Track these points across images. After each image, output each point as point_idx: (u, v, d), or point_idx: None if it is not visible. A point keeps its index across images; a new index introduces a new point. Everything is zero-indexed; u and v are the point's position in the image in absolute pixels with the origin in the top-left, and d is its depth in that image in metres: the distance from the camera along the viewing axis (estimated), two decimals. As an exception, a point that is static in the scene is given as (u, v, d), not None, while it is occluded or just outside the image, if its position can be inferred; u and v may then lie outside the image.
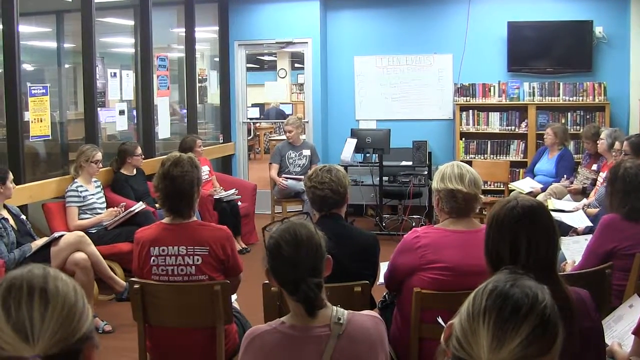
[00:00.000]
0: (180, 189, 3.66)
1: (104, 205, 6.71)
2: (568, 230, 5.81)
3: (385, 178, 8.81)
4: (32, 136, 6.41)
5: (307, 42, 10.14)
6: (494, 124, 9.58)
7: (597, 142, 7.21)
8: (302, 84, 13.64)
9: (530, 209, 2.42)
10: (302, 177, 7.92)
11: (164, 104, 8.82)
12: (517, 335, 1.38)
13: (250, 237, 8.50)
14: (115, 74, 7.86)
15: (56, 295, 1.47)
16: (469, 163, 8.30)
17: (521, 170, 9.24)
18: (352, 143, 8.53)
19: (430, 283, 3.28)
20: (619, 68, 9.24)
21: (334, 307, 2.38)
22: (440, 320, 2.52)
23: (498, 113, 9.58)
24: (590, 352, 2.40)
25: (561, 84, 9.39)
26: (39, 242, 5.67)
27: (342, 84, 10.33)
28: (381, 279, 3.75)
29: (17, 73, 6.08)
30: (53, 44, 8.19)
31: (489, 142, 9.60)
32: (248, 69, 10.90)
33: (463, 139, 9.65)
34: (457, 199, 3.35)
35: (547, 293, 1.48)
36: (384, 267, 3.72)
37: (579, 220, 5.99)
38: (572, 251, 4.46)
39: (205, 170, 8.04)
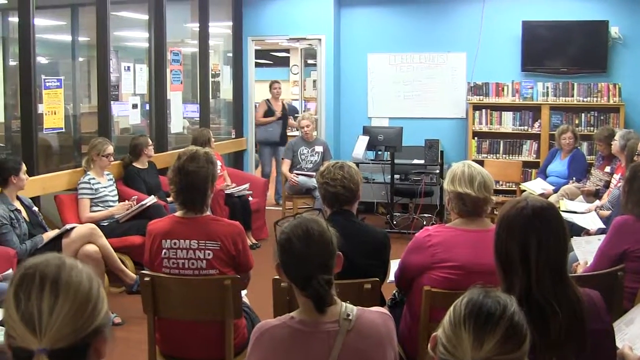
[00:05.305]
0: (194, 184, 3.67)
1: (116, 198, 6.73)
2: (580, 232, 5.78)
3: (396, 176, 8.79)
4: (45, 128, 6.45)
5: (320, 39, 10.13)
6: (507, 123, 9.55)
7: (611, 143, 7.17)
8: (314, 81, 13.58)
9: (540, 210, 2.39)
10: (314, 173, 7.92)
11: (177, 98, 8.84)
12: (493, 336, 1.66)
13: (260, 232, 8.49)
14: (129, 67, 7.89)
15: (67, 288, 1.47)
16: (481, 162, 8.32)
17: (533, 170, 9.21)
18: (364, 140, 8.51)
19: (441, 282, 3.28)
20: (635, 69, 9.19)
21: (343, 303, 2.38)
22: None
23: (511, 113, 9.55)
24: (600, 354, 2.38)
25: (575, 84, 9.34)
26: (51, 233, 5.70)
27: (354, 81, 10.33)
28: (391, 277, 3.75)
29: (32, 65, 6.12)
30: (68, 37, 8.22)
31: (501, 141, 9.57)
32: (260, 65, 10.89)
33: (475, 138, 9.62)
34: (466, 202, 3.35)
35: (514, 302, 1.77)
36: (394, 265, 3.71)
37: (591, 222, 5.96)
38: (585, 251, 4.43)
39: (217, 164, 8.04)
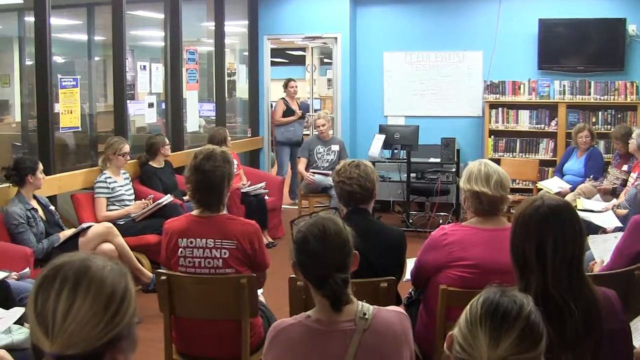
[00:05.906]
0: (211, 183, 3.66)
1: (132, 197, 6.76)
2: (597, 230, 5.74)
3: (412, 175, 8.77)
4: (62, 127, 6.48)
5: (336, 38, 10.12)
6: (524, 121, 9.50)
7: (628, 142, 7.12)
8: (329, 79, 13.50)
9: (556, 208, 2.38)
10: (330, 172, 7.91)
11: (193, 97, 8.86)
12: (509, 335, 1.66)
13: (276, 231, 8.49)
14: (144, 67, 7.92)
15: (86, 293, 1.43)
16: (498, 161, 8.28)
17: (550, 169, 9.16)
18: (380, 139, 8.50)
19: (457, 280, 3.27)
20: (652, 67, 9.12)
21: (360, 302, 2.37)
22: None
23: (528, 111, 9.50)
24: (617, 353, 2.37)
25: (592, 82, 9.28)
26: (68, 232, 5.73)
27: (370, 79, 10.31)
28: (407, 276, 3.74)
29: (48, 65, 6.15)
30: (84, 37, 8.27)
31: (518, 140, 9.52)
32: (276, 63, 10.84)
33: (492, 136, 9.58)
34: (482, 201, 3.34)
35: (531, 301, 1.77)
36: (410, 263, 3.71)
37: (608, 221, 5.92)
38: (601, 250, 4.40)
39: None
